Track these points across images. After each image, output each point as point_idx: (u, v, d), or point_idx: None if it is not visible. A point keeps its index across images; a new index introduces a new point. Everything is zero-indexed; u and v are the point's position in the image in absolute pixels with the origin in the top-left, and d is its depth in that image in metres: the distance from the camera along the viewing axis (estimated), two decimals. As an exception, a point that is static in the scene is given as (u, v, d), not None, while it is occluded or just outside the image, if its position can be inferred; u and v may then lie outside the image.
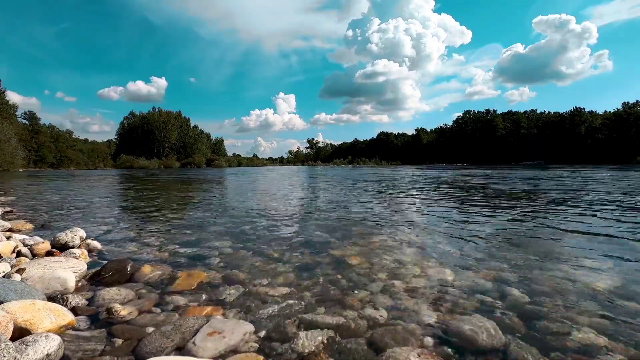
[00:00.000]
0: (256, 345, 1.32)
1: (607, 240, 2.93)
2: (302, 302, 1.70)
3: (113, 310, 1.54)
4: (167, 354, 1.24)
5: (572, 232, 3.31)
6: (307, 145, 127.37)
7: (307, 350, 1.29)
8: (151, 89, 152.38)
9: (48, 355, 1.13)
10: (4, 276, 1.80)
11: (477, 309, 1.62)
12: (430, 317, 1.54)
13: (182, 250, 2.72)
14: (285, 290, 1.87)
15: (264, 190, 9.49)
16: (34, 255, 2.40)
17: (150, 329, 1.41)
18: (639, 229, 3.42)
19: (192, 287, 1.90)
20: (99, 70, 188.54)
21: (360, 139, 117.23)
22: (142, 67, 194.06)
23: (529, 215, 4.39)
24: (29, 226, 3.65)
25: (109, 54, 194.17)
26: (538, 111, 76.36)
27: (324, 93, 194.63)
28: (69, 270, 1.91)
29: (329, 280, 2.01)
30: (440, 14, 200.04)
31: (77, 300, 1.67)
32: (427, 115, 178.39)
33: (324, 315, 1.57)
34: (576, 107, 65.41)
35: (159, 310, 1.62)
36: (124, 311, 1.56)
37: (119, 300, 1.70)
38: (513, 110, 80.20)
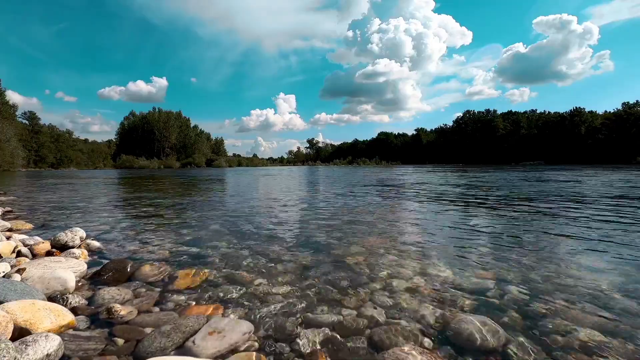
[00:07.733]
0: (256, 344, 1.32)
1: (607, 240, 2.92)
2: (302, 301, 1.70)
3: (113, 310, 1.54)
4: (167, 354, 1.24)
5: (572, 231, 3.30)
6: (307, 145, 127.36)
7: (307, 350, 1.29)
8: (151, 89, 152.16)
9: (48, 355, 1.13)
10: (4, 276, 1.80)
11: (477, 308, 1.62)
12: (430, 316, 1.54)
13: (182, 249, 2.72)
14: (285, 289, 1.87)
15: (264, 190, 9.48)
16: (34, 255, 2.40)
17: (150, 329, 1.41)
18: (639, 228, 3.41)
19: (192, 286, 1.90)
20: (99, 70, 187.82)
21: (361, 139, 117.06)
22: (143, 67, 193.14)
23: (529, 215, 4.38)
24: (29, 226, 3.65)
25: (109, 54, 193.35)
26: (538, 111, 76.20)
27: (324, 93, 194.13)
28: (68, 270, 1.91)
29: (328, 280, 2.01)
30: (440, 15, 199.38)
31: (77, 300, 1.67)
32: (427, 115, 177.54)
33: (324, 314, 1.57)
34: (576, 107, 65.31)
35: (158, 310, 1.62)
36: (123, 311, 1.56)
37: (118, 299, 1.70)
38: (513, 111, 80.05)
